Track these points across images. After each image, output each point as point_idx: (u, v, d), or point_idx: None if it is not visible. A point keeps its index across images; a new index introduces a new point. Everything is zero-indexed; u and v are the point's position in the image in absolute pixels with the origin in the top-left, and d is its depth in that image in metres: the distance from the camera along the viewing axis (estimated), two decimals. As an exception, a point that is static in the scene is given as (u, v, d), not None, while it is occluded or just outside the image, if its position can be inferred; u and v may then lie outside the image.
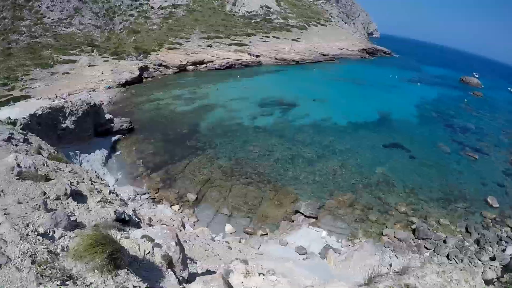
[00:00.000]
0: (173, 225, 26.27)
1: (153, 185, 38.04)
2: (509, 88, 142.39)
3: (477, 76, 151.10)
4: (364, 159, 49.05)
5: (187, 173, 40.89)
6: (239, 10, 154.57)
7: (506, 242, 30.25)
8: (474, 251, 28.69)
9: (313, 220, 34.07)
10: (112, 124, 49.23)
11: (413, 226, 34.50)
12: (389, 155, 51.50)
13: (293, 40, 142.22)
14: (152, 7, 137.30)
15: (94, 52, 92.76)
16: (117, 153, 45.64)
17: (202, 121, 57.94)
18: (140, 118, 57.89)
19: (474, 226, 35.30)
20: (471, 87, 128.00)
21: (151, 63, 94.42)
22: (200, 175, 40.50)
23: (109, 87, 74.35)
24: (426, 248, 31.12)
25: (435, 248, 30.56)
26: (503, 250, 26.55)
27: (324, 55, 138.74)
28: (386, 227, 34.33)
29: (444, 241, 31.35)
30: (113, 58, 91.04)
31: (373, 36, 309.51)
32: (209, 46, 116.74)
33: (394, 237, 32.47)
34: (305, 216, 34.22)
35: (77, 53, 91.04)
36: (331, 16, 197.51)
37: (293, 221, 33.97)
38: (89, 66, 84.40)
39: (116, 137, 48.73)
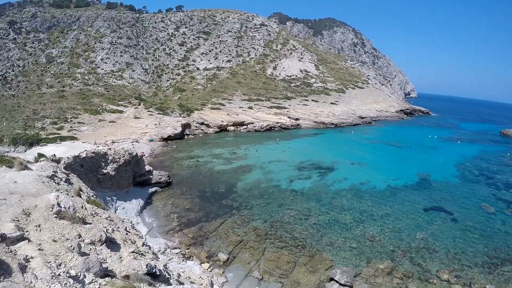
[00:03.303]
0: (201, 284, 25.21)
1: (185, 240, 37.37)
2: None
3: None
4: (404, 224, 46.43)
5: (221, 232, 40.09)
6: (280, 74, 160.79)
7: None
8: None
9: (348, 289, 31.66)
10: (151, 176, 50.29)
11: (456, 294, 31.40)
12: (430, 219, 48.58)
13: (331, 103, 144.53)
14: (198, 68, 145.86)
15: (141, 105, 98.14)
16: (153, 204, 46.01)
17: (239, 182, 58.00)
18: (178, 173, 59.24)
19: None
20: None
21: (193, 121, 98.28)
22: (233, 236, 39.48)
23: (151, 140, 77.24)
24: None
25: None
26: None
27: (362, 118, 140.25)
28: (427, 296, 31.43)
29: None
30: (158, 113, 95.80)
31: (411, 96, 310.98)
32: (250, 108, 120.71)
33: (436, 308, 29.41)
34: (340, 284, 31.84)
35: (124, 104, 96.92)
36: (368, 79, 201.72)
37: (326, 289, 31.71)
38: (134, 118, 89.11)
39: (154, 188, 49.50)
